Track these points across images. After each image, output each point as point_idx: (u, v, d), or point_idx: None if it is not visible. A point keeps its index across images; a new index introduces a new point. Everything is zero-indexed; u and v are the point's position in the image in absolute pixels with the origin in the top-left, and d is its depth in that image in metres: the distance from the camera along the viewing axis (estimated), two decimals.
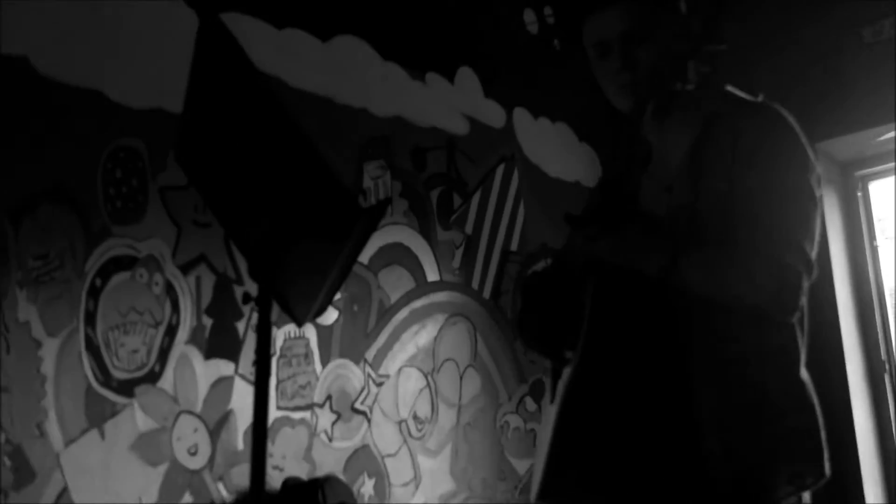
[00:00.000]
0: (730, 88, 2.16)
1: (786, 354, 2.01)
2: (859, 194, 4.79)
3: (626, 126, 2.10)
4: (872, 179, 4.81)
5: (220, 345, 3.18)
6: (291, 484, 2.92)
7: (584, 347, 2.09)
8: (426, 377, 3.87)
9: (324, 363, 3.48)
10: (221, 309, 3.18)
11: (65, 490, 2.75)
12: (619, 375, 2.03)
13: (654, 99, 2.11)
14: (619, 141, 2.10)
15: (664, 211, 2.09)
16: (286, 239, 1.72)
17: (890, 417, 4.47)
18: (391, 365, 3.74)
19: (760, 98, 2.14)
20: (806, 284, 1.96)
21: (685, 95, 2.15)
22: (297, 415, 3.37)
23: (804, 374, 2.01)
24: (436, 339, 3.94)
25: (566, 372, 2.15)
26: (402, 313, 3.82)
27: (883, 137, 4.52)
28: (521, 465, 4.18)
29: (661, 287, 1.97)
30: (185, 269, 3.11)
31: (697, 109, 2.15)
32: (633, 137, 2.10)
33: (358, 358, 3.61)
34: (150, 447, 2.95)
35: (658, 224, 2.07)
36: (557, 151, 4.76)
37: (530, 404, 4.29)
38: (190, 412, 3.07)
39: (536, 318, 2.25)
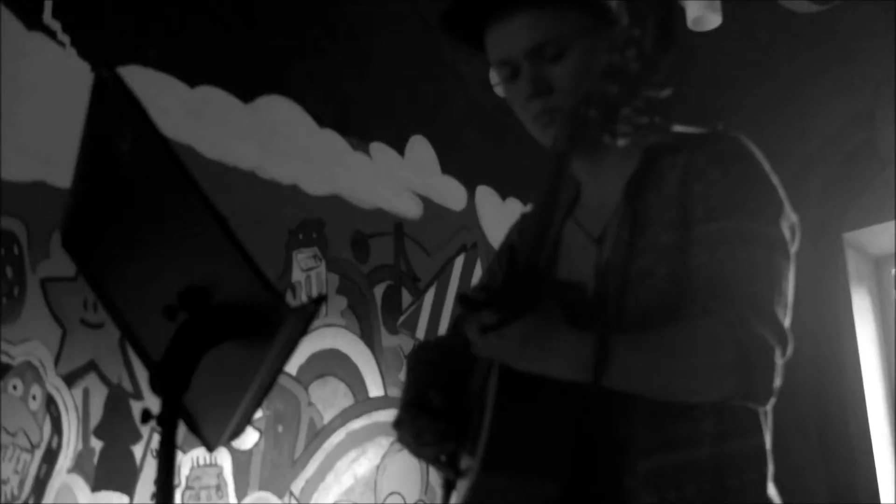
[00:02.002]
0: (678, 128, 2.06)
1: (751, 463, 1.90)
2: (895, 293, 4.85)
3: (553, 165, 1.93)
4: None
5: (111, 474, 3.14)
6: None
7: (485, 454, 1.85)
8: None
9: (240, 496, 3.45)
10: (114, 429, 3.15)
11: None
12: (530, 493, 1.84)
13: (577, 129, 1.91)
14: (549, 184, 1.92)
15: (591, 270, 1.99)
16: (196, 344, 1.71)
17: None
18: (323, 499, 3.71)
19: (720, 127, 2.05)
20: (780, 362, 1.81)
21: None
22: None
23: (772, 492, 1.91)
24: (378, 467, 3.92)
25: (462, 486, 2.00)
26: (338, 436, 3.79)
27: None
28: None
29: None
30: (71, 379, 3.08)
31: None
32: (556, 179, 1.92)
33: (282, 490, 3.58)
34: None
35: (580, 300, 1.92)
36: None
37: None
38: None
39: (417, 411, 2.14)
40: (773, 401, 1.84)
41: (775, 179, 1.98)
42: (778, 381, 1.81)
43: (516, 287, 1.84)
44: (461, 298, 1.89)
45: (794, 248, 1.94)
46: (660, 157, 2.01)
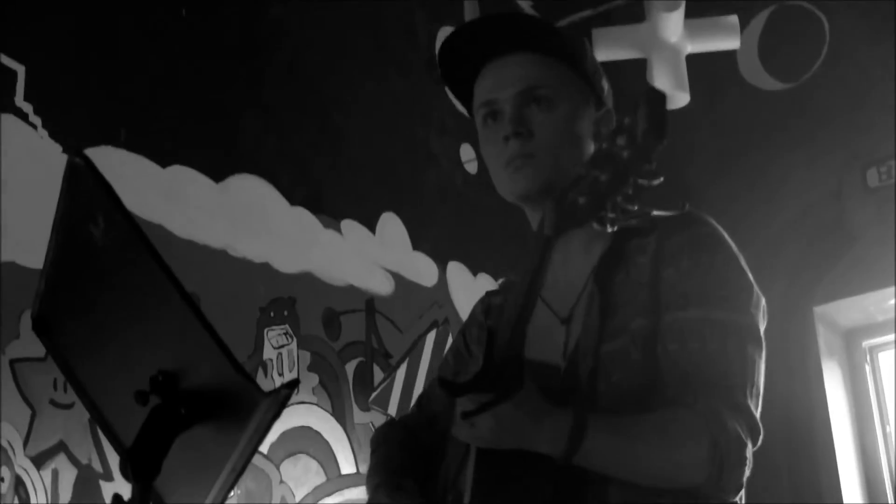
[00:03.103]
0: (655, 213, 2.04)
1: None
2: (867, 367, 4.86)
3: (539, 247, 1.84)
4: (883, 350, 4.88)
5: None
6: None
7: None
8: None
9: None
10: None
11: None
12: None
13: (565, 214, 1.79)
14: (519, 287, 1.85)
15: (560, 350, 1.97)
16: (167, 428, 1.71)
17: None
18: None
19: (686, 208, 2.02)
20: (750, 454, 1.82)
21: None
22: None
23: None
24: None
25: None
26: None
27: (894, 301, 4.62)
28: None
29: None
30: (39, 460, 3.05)
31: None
32: (542, 261, 1.82)
33: None
34: None
35: (553, 380, 1.90)
36: None
37: None
38: None
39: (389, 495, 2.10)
40: (742, 493, 1.85)
41: (744, 263, 1.98)
42: (748, 473, 1.82)
43: (497, 370, 1.80)
44: (441, 382, 1.90)
45: (763, 327, 1.94)
46: (630, 238, 2.00)
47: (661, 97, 1.70)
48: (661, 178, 1.72)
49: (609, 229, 1.75)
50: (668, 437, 1.80)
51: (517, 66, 2.06)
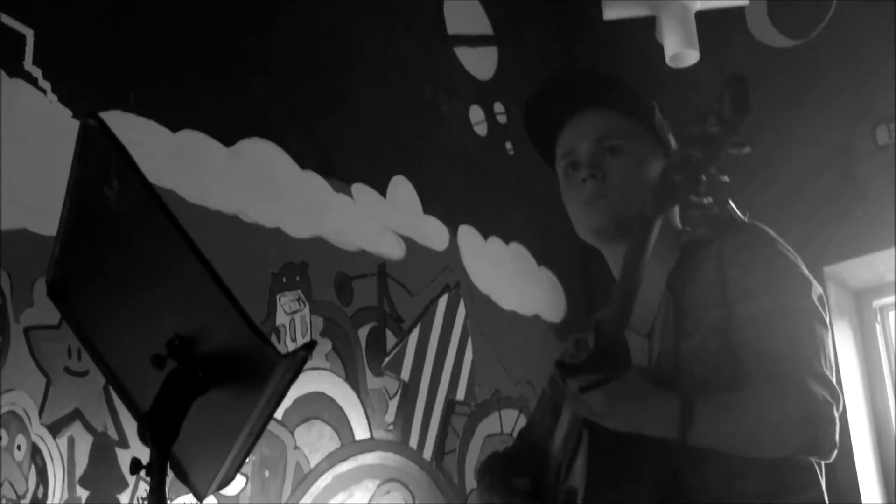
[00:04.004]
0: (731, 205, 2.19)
1: None
2: (878, 327, 4.84)
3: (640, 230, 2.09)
4: (893, 310, 4.86)
5: None
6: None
7: None
8: None
9: None
10: (100, 478, 3.12)
11: None
12: None
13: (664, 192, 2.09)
14: (624, 269, 2.08)
15: (644, 362, 2.16)
16: (185, 393, 1.70)
17: None
18: None
19: (746, 217, 2.18)
20: (836, 415, 2.01)
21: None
22: None
23: None
24: None
25: None
26: (325, 479, 3.77)
27: None
28: None
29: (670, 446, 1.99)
30: (55, 428, 3.05)
31: (676, 238, 2.28)
32: (643, 243, 2.07)
33: None
34: None
35: (654, 374, 2.12)
36: (512, 279, 4.78)
37: None
38: None
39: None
40: (835, 453, 2.05)
41: (798, 260, 2.21)
42: (837, 435, 2.03)
43: (606, 353, 2.00)
44: (559, 364, 2.07)
45: (826, 316, 2.15)
46: (696, 251, 2.24)
47: (741, 80, 1.95)
48: (749, 148, 1.98)
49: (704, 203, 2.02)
50: (766, 409, 1.99)
51: (593, 121, 2.32)
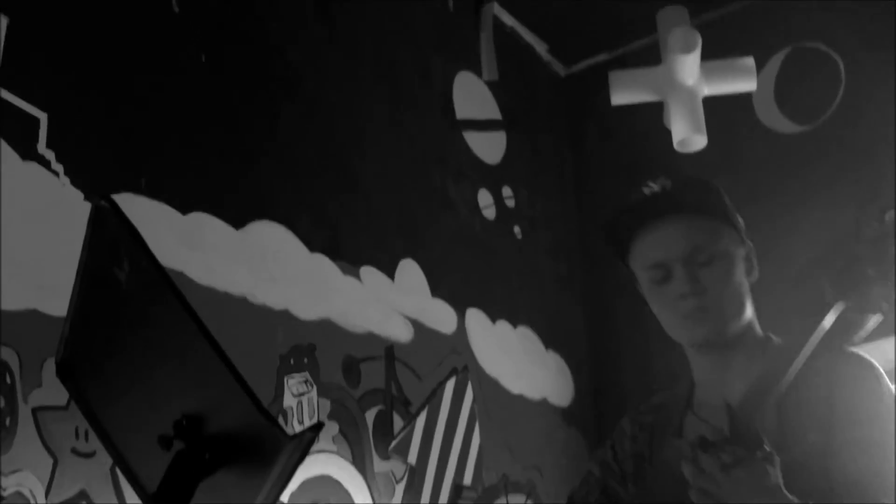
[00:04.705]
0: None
1: None
2: None
3: None
4: None
5: None
6: None
7: None
8: None
9: None
10: None
11: None
12: None
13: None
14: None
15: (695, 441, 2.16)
16: (192, 474, 1.70)
17: None
18: None
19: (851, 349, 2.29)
20: None
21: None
22: None
23: None
24: None
25: None
26: None
27: None
28: None
29: None
30: None
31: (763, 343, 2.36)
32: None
33: None
34: None
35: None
36: (520, 362, 4.79)
37: None
38: None
39: None
40: None
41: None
42: None
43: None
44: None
45: None
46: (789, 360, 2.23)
47: None
48: None
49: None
50: None
51: (676, 231, 2.36)
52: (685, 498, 2.07)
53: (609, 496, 2.51)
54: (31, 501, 2.96)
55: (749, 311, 2.39)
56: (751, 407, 2.14)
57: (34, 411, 3.01)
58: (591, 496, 2.53)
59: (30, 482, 2.97)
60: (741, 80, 4.61)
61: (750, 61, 4.58)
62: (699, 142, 4.55)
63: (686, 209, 2.38)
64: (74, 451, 3.07)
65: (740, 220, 2.45)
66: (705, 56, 4.46)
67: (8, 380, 2.98)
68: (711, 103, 4.60)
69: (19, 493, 2.94)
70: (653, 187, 2.42)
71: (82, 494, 3.07)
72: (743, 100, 4.87)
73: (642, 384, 5.05)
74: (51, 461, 3.03)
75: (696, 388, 2.45)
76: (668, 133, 4.60)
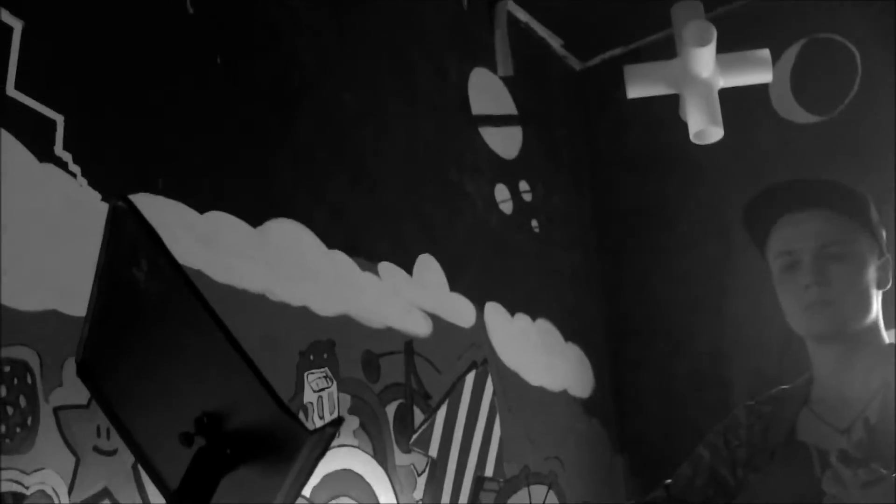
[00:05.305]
0: None
1: None
2: None
3: None
4: None
5: None
6: None
7: None
8: None
9: None
10: None
11: None
12: None
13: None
14: None
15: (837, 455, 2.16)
16: (213, 470, 1.70)
17: None
18: None
19: None
20: None
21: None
22: None
23: None
24: None
25: None
26: None
27: None
28: None
29: None
30: None
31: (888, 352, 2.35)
32: None
33: None
34: None
35: None
36: (539, 355, 4.78)
37: None
38: None
39: None
40: None
41: None
42: None
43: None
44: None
45: None
46: None
47: None
48: None
49: None
50: None
51: (813, 223, 2.38)
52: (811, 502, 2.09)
53: (717, 481, 2.52)
54: (55, 500, 2.97)
55: (875, 315, 2.39)
56: (890, 424, 2.14)
57: (55, 410, 3.01)
58: (699, 478, 2.55)
59: (52, 480, 2.98)
60: (757, 72, 4.59)
61: (765, 53, 4.56)
62: (716, 133, 4.53)
63: (828, 205, 2.40)
64: (96, 449, 3.08)
65: (884, 233, 2.48)
66: (720, 49, 4.44)
67: (29, 380, 2.98)
68: (727, 95, 4.58)
69: (42, 492, 2.94)
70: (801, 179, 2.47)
71: (105, 492, 3.08)
72: (759, 91, 4.86)
73: (663, 375, 5.05)
74: (73, 459, 3.03)
75: (814, 384, 2.46)
76: (684, 125, 4.58)
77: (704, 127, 4.49)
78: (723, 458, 2.52)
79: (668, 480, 2.64)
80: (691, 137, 4.56)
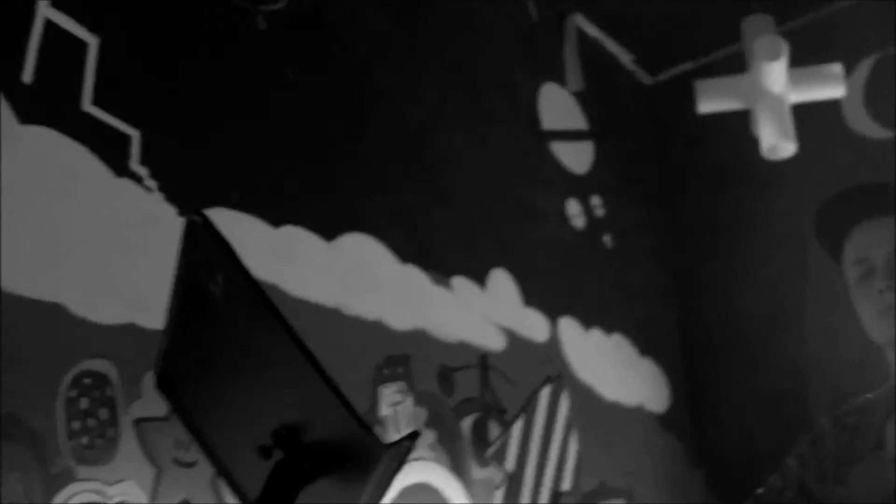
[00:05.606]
0: None
1: None
2: None
3: None
4: None
5: None
6: None
7: None
8: None
9: None
10: None
11: None
12: None
13: None
14: None
15: None
16: (292, 482, 1.69)
17: None
18: None
19: None
20: None
21: None
22: None
23: None
24: None
25: None
26: None
27: None
28: None
29: None
30: None
31: None
32: None
33: None
34: None
35: None
36: (614, 369, 4.75)
37: None
38: None
39: None
40: None
41: None
42: None
43: None
44: None
45: None
46: None
47: None
48: None
49: None
50: None
51: (886, 228, 2.35)
52: None
53: (805, 494, 2.48)
54: None
55: None
56: None
57: (136, 422, 3.03)
58: (789, 491, 2.51)
59: (134, 492, 2.99)
60: (829, 87, 4.53)
61: (837, 67, 4.50)
62: (788, 149, 4.48)
63: None
64: (176, 461, 3.09)
65: None
66: (792, 63, 4.40)
67: (109, 392, 3.00)
68: (800, 109, 4.54)
69: (124, 503, 2.96)
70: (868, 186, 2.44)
71: None
72: (832, 106, 4.80)
73: (740, 389, 5.00)
74: (153, 471, 3.05)
75: None
76: (756, 141, 4.54)
77: (777, 142, 4.45)
78: (811, 470, 2.48)
79: (759, 490, 2.60)
80: (764, 152, 4.51)
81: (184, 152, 3.31)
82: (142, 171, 3.16)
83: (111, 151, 3.09)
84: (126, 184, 3.12)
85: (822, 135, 4.91)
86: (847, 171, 4.90)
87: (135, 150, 3.15)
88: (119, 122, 3.12)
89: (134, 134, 3.15)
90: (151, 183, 3.17)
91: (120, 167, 3.11)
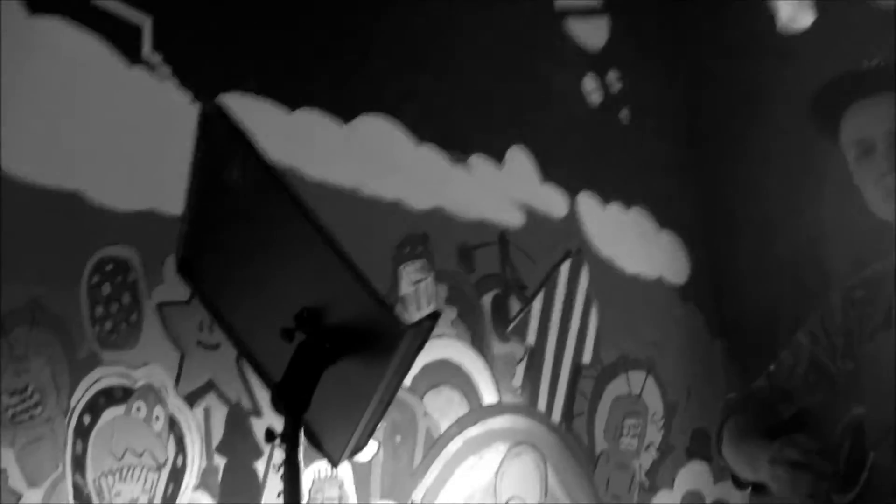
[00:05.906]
0: None
1: None
2: None
3: None
4: None
5: (236, 489, 3.15)
6: None
7: None
8: None
9: None
10: (236, 446, 3.16)
11: None
12: None
13: None
14: None
15: None
16: (315, 363, 1.70)
17: None
18: None
19: None
20: None
21: None
22: None
23: None
24: (497, 473, 3.89)
25: None
26: (455, 444, 3.78)
27: None
28: None
29: None
30: (191, 399, 3.10)
31: None
32: None
33: (404, 500, 3.57)
34: None
35: None
36: (634, 243, 4.74)
37: None
38: None
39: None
40: None
41: None
42: None
43: None
44: None
45: None
46: None
47: None
48: None
49: None
50: None
51: (885, 106, 2.29)
52: None
53: (818, 368, 2.49)
54: (163, 392, 3.02)
55: None
56: None
57: (158, 306, 3.06)
58: (800, 366, 2.52)
59: (159, 374, 3.03)
60: None
61: None
62: (806, 19, 4.42)
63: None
64: (200, 344, 3.12)
65: None
66: None
67: (131, 277, 3.02)
68: None
69: (150, 386, 2.99)
70: (869, 64, 2.36)
71: (210, 385, 3.14)
72: None
73: (760, 259, 4.99)
74: (178, 354, 3.09)
75: None
76: (772, 16, 4.48)
77: (794, 13, 4.39)
78: (822, 345, 2.49)
79: (771, 367, 2.61)
80: (781, 23, 4.46)
81: (197, 37, 3.29)
82: (154, 57, 3.14)
83: (123, 41, 3.07)
84: (139, 72, 3.10)
85: (841, 7, 4.84)
86: (867, 43, 4.84)
87: (147, 37, 3.13)
88: (130, 9, 3.09)
89: (145, 21, 3.13)
90: (165, 69, 3.15)
91: (132, 56, 3.09)
